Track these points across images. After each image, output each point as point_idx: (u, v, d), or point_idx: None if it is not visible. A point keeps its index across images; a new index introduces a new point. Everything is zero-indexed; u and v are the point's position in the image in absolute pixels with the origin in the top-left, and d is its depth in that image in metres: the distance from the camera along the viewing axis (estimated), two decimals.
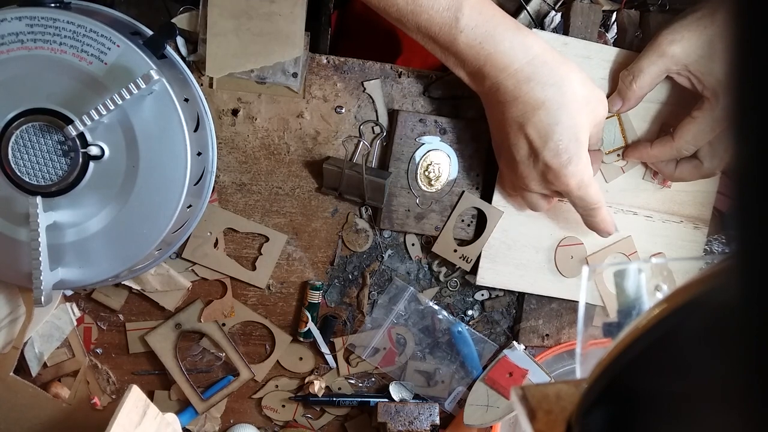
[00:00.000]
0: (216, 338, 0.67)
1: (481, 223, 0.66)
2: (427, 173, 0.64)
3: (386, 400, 0.69)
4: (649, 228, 0.68)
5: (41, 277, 0.53)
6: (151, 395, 0.68)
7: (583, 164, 0.56)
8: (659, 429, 0.30)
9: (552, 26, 0.65)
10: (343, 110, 0.64)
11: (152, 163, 0.54)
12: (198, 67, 0.60)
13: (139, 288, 0.65)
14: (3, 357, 0.62)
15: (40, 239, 0.53)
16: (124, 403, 0.53)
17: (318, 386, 0.69)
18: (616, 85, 0.62)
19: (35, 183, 0.53)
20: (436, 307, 0.69)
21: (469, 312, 0.70)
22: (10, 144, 0.53)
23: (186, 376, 0.68)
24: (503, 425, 0.69)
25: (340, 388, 0.71)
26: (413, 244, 0.68)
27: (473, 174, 0.65)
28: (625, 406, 0.29)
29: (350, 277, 0.68)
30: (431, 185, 0.65)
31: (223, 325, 0.67)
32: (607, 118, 0.64)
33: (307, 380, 0.70)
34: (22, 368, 0.65)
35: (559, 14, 0.65)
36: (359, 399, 0.70)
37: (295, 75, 0.61)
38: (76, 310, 0.66)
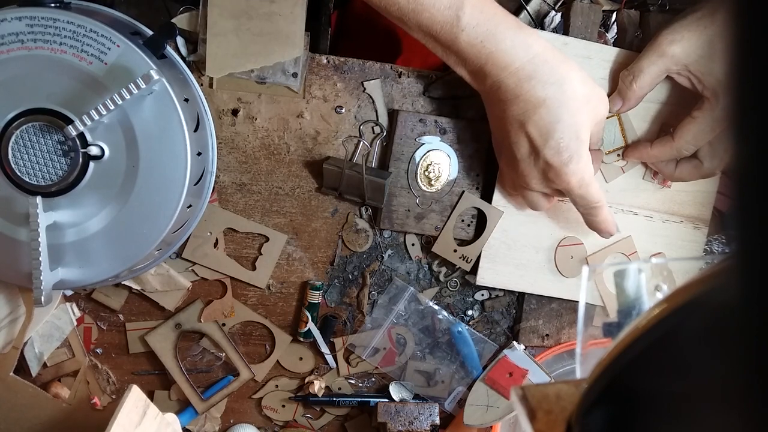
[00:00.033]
0: (216, 338, 0.67)
1: (481, 223, 0.66)
2: (427, 173, 0.64)
3: (386, 400, 0.69)
4: (649, 228, 0.68)
5: (41, 277, 0.53)
6: (151, 395, 0.68)
7: (584, 163, 0.56)
8: (659, 429, 0.30)
9: (552, 26, 0.65)
10: (343, 110, 0.64)
11: (152, 163, 0.54)
12: (198, 67, 0.60)
13: (139, 288, 0.65)
14: (3, 357, 0.62)
15: (40, 239, 0.53)
16: (124, 403, 0.53)
17: (318, 386, 0.69)
18: (616, 85, 0.62)
19: (35, 183, 0.53)
20: (436, 307, 0.69)
21: (469, 312, 0.70)
22: (10, 144, 0.53)
23: (186, 376, 0.68)
24: (503, 425, 0.69)
25: (340, 388, 0.71)
26: (413, 244, 0.68)
27: (473, 174, 0.65)
28: (625, 406, 0.29)
29: (350, 277, 0.68)
30: (431, 185, 0.65)
31: (223, 325, 0.67)
32: (607, 118, 0.64)
33: (307, 380, 0.70)
34: (22, 368, 0.65)
35: (559, 14, 0.65)
36: (359, 399, 0.70)
37: (295, 75, 0.61)
38: (76, 310, 0.66)
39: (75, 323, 0.66)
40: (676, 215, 0.68)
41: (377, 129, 0.65)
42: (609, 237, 0.62)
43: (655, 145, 0.62)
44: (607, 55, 0.63)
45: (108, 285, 0.64)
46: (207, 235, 0.65)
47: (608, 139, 0.65)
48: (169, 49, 0.58)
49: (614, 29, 0.67)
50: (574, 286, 0.68)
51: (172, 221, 0.55)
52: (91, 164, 0.54)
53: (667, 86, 0.64)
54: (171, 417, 0.63)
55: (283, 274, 0.67)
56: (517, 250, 0.67)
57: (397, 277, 0.68)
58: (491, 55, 0.54)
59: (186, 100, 0.56)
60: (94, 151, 0.53)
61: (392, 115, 0.64)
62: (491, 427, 0.68)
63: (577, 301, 0.65)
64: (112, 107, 0.50)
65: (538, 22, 0.65)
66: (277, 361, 0.69)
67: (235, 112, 0.62)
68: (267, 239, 0.66)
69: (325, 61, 0.63)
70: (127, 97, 0.50)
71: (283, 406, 0.71)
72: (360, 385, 0.71)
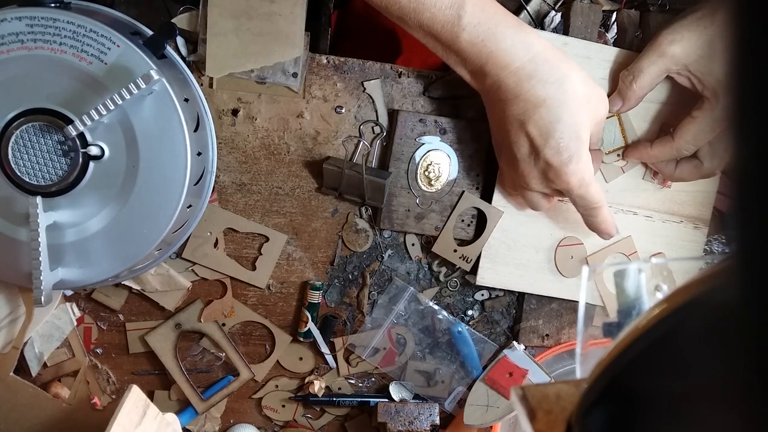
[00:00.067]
0: (216, 338, 0.67)
1: (481, 223, 0.66)
2: (427, 173, 0.64)
3: (386, 400, 0.69)
4: (649, 228, 0.68)
5: (41, 277, 0.53)
6: (151, 395, 0.68)
7: (584, 162, 0.56)
8: (659, 429, 0.30)
9: (552, 26, 0.65)
10: (343, 110, 0.64)
11: (152, 163, 0.54)
12: (198, 67, 0.60)
13: (139, 288, 0.65)
14: (3, 357, 0.62)
15: (40, 239, 0.53)
16: (124, 403, 0.53)
17: (318, 386, 0.69)
18: (616, 85, 0.62)
19: (35, 183, 0.53)
20: (436, 307, 0.69)
21: (469, 312, 0.70)
22: (10, 144, 0.53)
23: (186, 376, 0.68)
24: (503, 425, 0.69)
25: (340, 388, 0.71)
26: (413, 244, 0.68)
27: (473, 174, 0.65)
28: (625, 406, 0.29)
29: (350, 277, 0.68)
30: (431, 185, 0.65)
31: (223, 325, 0.67)
32: (607, 118, 0.64)
33: (307, 380, 0.70)
34: (22, 368, 0.65)
35: (559, 14, 0.65)
36: (359, 399, 0.70)
37: (295, 75, 0.61)
38: (76, 310, 0.66)
39: (75, 323, 0.66)
40: (676, 215, 0.68)
41: (377, 129, 0.65)
42: (608, 238, 0.62)
43: (655, 145, 0.62)
44: (607, 55, 0.63)
45: (108, 285, 0.64)
46: (207, 235, 0.65)
47: (608, 139, 0.65)
48: (169, 49, 0.58)
49: (614, 29, 0.67)
50: (574, 286, 0.68)
51: (172, 221, 0.55)
52: (91, 164, 0.54)
53: (667, 86, 0.64)
54: (171, 417, 0.63)
55: (283, 274, 0.67)
56: (517, 250, 0.67)
57: (397, 277, 0.68)
58: (492, 55, 0.54)
59: (186, 100, 0.56)
60: (94, 151, 0.53)
61: (392, 115, 0.64)
62: (491, 427, 0.68)
63: (577, 301, 0.65)
64: (112, 107, 0.50)
65: (538, 22, 0.65)
66: (277, 361, 0.69)
67: (235, 112, 0.62)
68: (267, 239, 0.66)
69: (325, 61, 0.63)
70: (127, 97, 0.50)
71: (283, 406, 0.71)
72: (360, 385, 0.71)
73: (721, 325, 0.22)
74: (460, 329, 0.69)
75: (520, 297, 0.69)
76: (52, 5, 0.52)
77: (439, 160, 0.64)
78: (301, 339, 0.68)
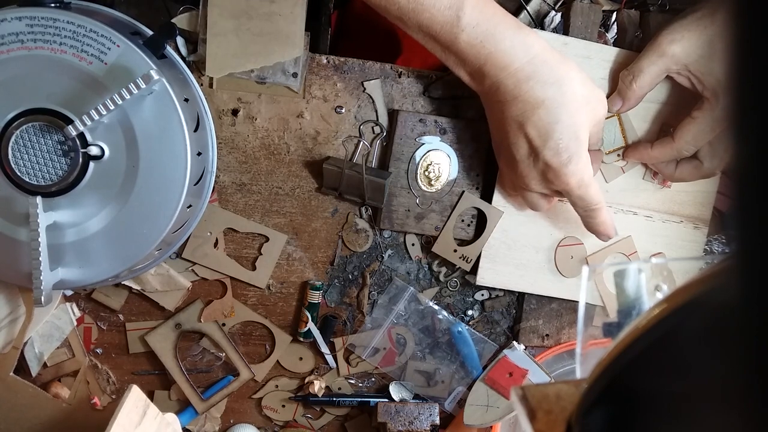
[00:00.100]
0: (216, 338, 0.67)
1: (481, 223, 0.66)
2: (427, 173, 0.64)
3: (386, 400, 0.69)
4: (649, 228, 0.68)
5: (41, 277, 0.53)
6: (151, 395, 0.68)
7: (583, 163, 0.56)
8: (659, 429, 0.30)
9: (552, 26, 0.65)
10: (343, 110, 0.64)
11: (152, 163, 0.54)
12: (198, 67, 0.60)
13: (139, 288, 0.65)
14: (3, 357, 0.62)
15: (40, 239, 0.53)
16: (124, 403, 0.53)
17: (318, 386, 0.69)
18: (616, 85, 0.62)
19: (35, 183, 0.53)
20: (436, 307, 0.69)
21: (469, 312, 0.70)
22: (10, 144, 0.53)
23: (186, 376, 0.68)
24: (503, 425, 0.69)
25: (340, 388, 0.71)
26: (413, 244, 0.68)
27: (473, 174, 0.65)
28: (625, 406, 0.29)
29: (350, 277, 0.68)
30: (431, 185, 0.65)
31: (223, 325, 0.67)
32: (607, 118, 0.64)
33: (307, 380, 0.70)
34: (22, 368, 0.65)
35: (559, 14, 0.65)
36: (359, 399, 0.70)
37: (295, 75, 0.61)
38: (76, 310, 0.66)
39: (75, 323, 0.66)
40: (676, 215, 0.68)
41: (377, 129, 0.65)
42: (607, 240, 0.62)
43: (656, 146, 0.62)
44: (607, 55, 0.63)
45: (108, 285, 0.64)
46: (207, 235, 0.65)
47: (608, 139, 0.65)
48: (169, 49, 0.58)
49: (614, 29, 0.67)
50: (574, 286, 0.68)
51: (172, 221, 0.55)
52: (91, 164, 0.54)
53: (667, 86, 0.64)
54: (171, 417, 0.63)
55: (283, 274, 0.67)
56: (517, 250, 0.67)
57: (397, 277, 0.68)
58: (490, 56, 0.54)
59: (186, 100, 0.56)
60: (94, 151, 0.53)
61: (392, 115, 0.64)
62: (491, 427, 0.68)
63: (577, 301, 0.65)
64: (112, 107, 0.50)
65: (538, 22, 0.65)
66: (277, 361, 0.69)
67: (235, 112, 0.62)
68: (267, 239, 0.66)
69: (325, 61, 0.63)
70: (127, 97, 0.50)
71: (283, 406, 0.71)
72: (360, 385, 0.71)
73: (721, 325, 0.22)
74: (460, 329, 0.69)
75: (520, 297, 0.69)
76: (52, 5, 0.52)
77: (439, 160, 0.64)
78: (301, 339, 0.68)
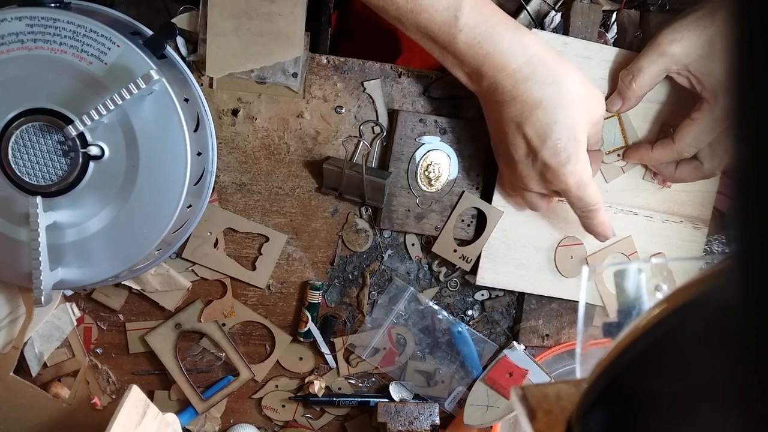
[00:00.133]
0: (216, 338, 0.67)
1: (481, 223, 0.66)
2: (427, 173, 0.64)
3: (386, 400, 0.69)
4: (649, 228, 0.68)
5: (41, 277, 0.53)
6: (151, 395, 0.68)
7: (582, 163, 0.56)
8: (659, 429, 0.30)
9: (552, 26, 0.65)
10: (343, 110, 0.64)
11: (152, 163, 0.54)
12: (198, 67, 0.60)
13: (139, 288, 0.65)
14: (3, 357, 0.62)
15: (40, 239, 0.53)
16: (124, 403, 0.53)
17: (318, 386, 0.69)
18: (616, 85, 0.62)
19: (35, 183, 0.53)
20: (436, 307, 0.69)
21: (469, 312, 0.70)
22: (10, 144, 0.53)
23: (186, 376, 0.68)
24: (503, 425, 0.69)
25: (340, 388, 0.71)
26: (413, 244, 0.68)
27: (473, 174, 0.65)
28: (625, 406, 0.29)
29: (350, 277, 0.68)
30: (431, 185, 0.65)
31: (223, 325, 0.67)
32: (607, 118, 0.64)
33: (307, 380, 0.70)
34: (22, 368, 0.65)
35: (559, 14, 0.65)
36: (359, 399, 0.70)
37: (295, 75, 0.61)
38: (76, 310, 0.66)
39: (75, 323, 0.66)
40: (676, 215, 0.68)
41: (377, 129, 0.65)
42: (605, 240, 0.62)
43: (656, 148, 0.62)
44: (607, 55, 0.63)
45: (108, 285, 0.64)
46: (207, 235, 0.65)
47: (608, 139, 0.65)
48: (169, 49, 0.58)
49: (614, 29, 0.67)
50: (574, 286, 0.68)
51: (172, 221, 0.55)
52: (91, 164, 0.54)
53: (667, 86, 0.64)
54: (171, 417, 0.63)
55: (283, 274, 0.67)
56: (517, 250, 0.67)
57: (397, 277, 0.68)
58: (488, 56, 0.54)
59: (186, 100, 0.56)
60: (94, 151, 0.53)
61: (392, 115, 0.64)
62: (491, 427, 0.68)
63: (577, 301, 0.65)
64: (112, 107, 0.50)
65: (538, 22, 0.65)
66: (277, 361, 0.69)
67: (235, 112, 0.62)
68: (267, 239, 0.66)
69: (325, 61, 0.63)
70: (127, 97, 0.50)
71: (283, 406, 0.71)
72: (360, 385, 0.71)
73: (721, 325, 0.22)
74: (460, 329, 0.69)
75: (520, 297, 0.69)
76: (52, 5, 0.52)
77: (439, 160, 0.64)
78: (301, 339, 0.68)
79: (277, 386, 0.70)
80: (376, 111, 0.64)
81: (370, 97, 0.64)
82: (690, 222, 0.68)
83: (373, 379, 0.71)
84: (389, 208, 0.65)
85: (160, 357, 0.67)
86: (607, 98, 0.63)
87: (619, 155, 0.66)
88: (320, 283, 0.67)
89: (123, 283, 0.64)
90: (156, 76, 0.50)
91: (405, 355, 0.70)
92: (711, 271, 0.23)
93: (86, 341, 0.67)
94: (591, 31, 0.64)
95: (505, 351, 0.69)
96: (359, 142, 0.64)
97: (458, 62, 0.56)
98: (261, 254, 0.66)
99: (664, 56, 0.58)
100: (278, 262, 0.66)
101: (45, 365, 0.66)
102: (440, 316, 0.69)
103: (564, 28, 0.64)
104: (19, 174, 0.53)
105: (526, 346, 0.69)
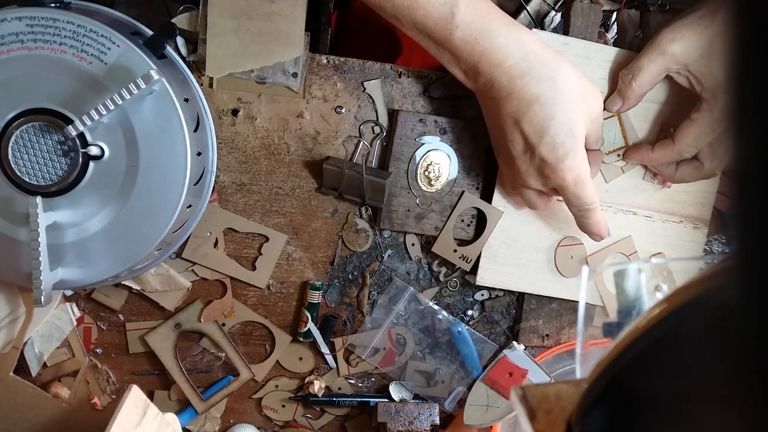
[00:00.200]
0: (216, 338, 0.67)
1: (481, 223, 0.66)
2: (427, 173, 0.64)
3: (386, 400, 0.69)
4: (649, 228, 0.68)
5: (41, 277, 0.53)
6: (151, 395, 0.68)
7: (580, 160, 0.56)
8: (659, 429, 0.30)
9: (552, 26, 0.65)
10: (343, 110, 0.64)
11: (152, 163, 0.54)
12: (198, 67, 0.60)
13: (139, 288, 0.65)
14: (3, 357, 0.62)
15: (40, 239, 0.53)
16: (124, 403, 0.53)
17: (318, 386, 0.69)
18: (616, 85, 0.62)
19: (35, 183, 0.53)
20: (436, 307, 0.69)
21: (469, 312, 0.70)
22: (10, 144, 0.53)
23: (186, 376, 0.68)
24: (503, 425, 0.69)
25: (340, 388, 0.71)
26: (413, 244, 0.68)
27: (473, 174, 0.65)
28: (625, 406, 0.29)
29: (350, 277, 0.68)
30: (431, 185, 0.65)
31: (223, 325, 0.67)
32: (607, 118, 0.64)
33: (307, 380, 0.70)
34: (22, 368, 0.65)
35: (559, 14, 0.65)
36: (359, 399, 0.70)
37: (295, 75, 0.61)
38: (76, 310, 0.66)
39: (75, 323, 0.66)
40: (676, 215, 0.68)
41: (377, 129, 0.65)
42: (600, 240, 0.62)
43: (656, 148, 0.62)
44: (607, 55, 0.63)
45: (108, 285, 0.64)
46: (207, 235, 0.65)
47: (608, 139, 0.65)
48: (169, 49, 0.58)
49: (614, 29, 0.67)
50: (574, 286, 0.68)
51: (172, 221, 0.55)
52: (91, 164, 0.54)
53: (667, 86, 0.64)
54: (171, 417, 0.63)
55: (283, 274, 0.67)
56: (517, 250, 0.67)
57: (397, 277, 0.68)
58: (485, 52, 0.54)
59: (186, 100, 0.56)
60: (94, 151, 0.53)
61: (392, 115, 0.64)
62: (491, 427, 0.68)
63: (577, 301, 0.65)
64: (112, 107, 0.50)
65: (538, 22, 0.65)
66: (277, 361, 0.69)
67: (235, 112, 0.62)
68: (267, 239, 0.66)
69: (325, 61, 0.63)
70: (127, 97, 0.50)
71: (283, 406, 0.71)
72: (360, 385, 0.71)
73: (721, 325, 0.22)
74: (460, 329, 0.69)
75: (520, 297, 0.69)
76: (52, 5, 0.52)
77: (439, 160, 0.64)
78: (301, 339, 0.68)
79: (277, 386, 0.70)
80: (376, 111, 0.64)
81: (370, 97, 0.64)
82: (690, 222, 0.68)
83: (373, 379, 0.71)
84: (389, 208, 0.65)
85: (160, 357, 0.67)
86: (607, 98, 0.63)
87: (619, 155, 0.66)
88: (320, 283, 0.67)
89: (123, 283, 0.64)
90: (156, 76, 0.50)
91: (405, 355, 0.70)
92: (711, 271, 0.23)
93: (86, 341, 0.67)
94: (591, 31, 0.64)
95: (505, 351, 0.69)
96: (359, 142, 0.64)
97: (455, 59, 0.56)
98: (261, 254, 0.66)
99: (664, 55, 0.58)
100: (278, 262, 0.66)
101: (45, 365, 0.66)
102: (440, 316, 0.69)
103: (564, 28, 0.64)
104: (19, 174, 0.53)
105: (526, 346, 0.69)
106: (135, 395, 0.55)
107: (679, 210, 0.68)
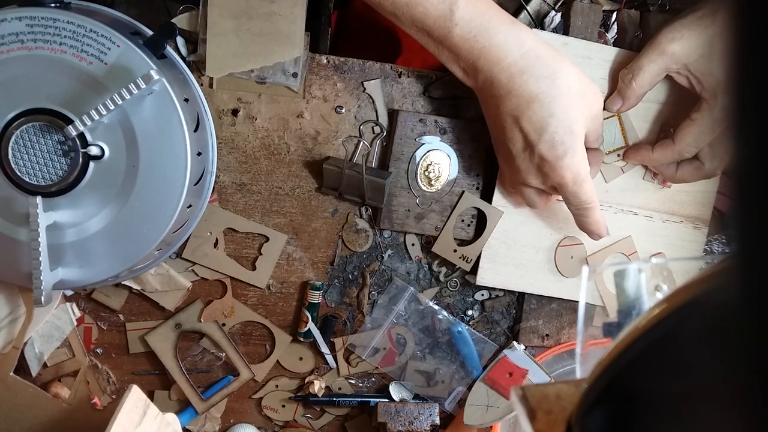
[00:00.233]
0: (216, 338, 0.67)
1: (481, 223, 0.66)
2: (427, 173, 0.64)
3: (386, 400, 0.69)
4: (649, 228, 0.68)
5: (41, 277, 0.53)
6: (151, 395, 0.68)
7: (579, 158, 0.56)
8: (659, 429, 0.30)
9: (552, 26, 0.65)
10: (343, 110, 0.64)
11: (152, 163, 0.54)
12: (198, 67, 0.60)
13: (139, 288, 0.65)
14: (3, 357, 0.62)
15: (40, 239, 0.53)
16: (124, 403, 0.53)
17: (318, 386, 0.69)
18: (616, 85, 0.62)
19: (35, 183, 0.53)
20: (436, 307, 0.69)
21: (469, 312, 0.70)
22: (10, 144, 0.53)
23: (186, 376, 0.68)
24: (503, 425, 0.69)
25: (340, 388, 0.71)
26: (413, 244, 0.68)
27: (473, 174, 0.65)
28: (625, 406, 0.29)
29: (350, 277, 0.68)
30: (431, 185, 0.65)
31: (223, 325, 0.67)
32: (607, 118, 0.64)
33: (307, 380, 0.70)
34: (22, 368, 0.65)
35: (559, 14, 0.65)
36: (359, 399, 0.70)
37: (295, 75, 0.61)
38: (76, 310, 0.66)
39: (75, 323, 0.66)
40: (676, 215, 0.68)
41: (377, 129, 0.65)
42: (598, 239, 0.62)
43: (656, 149, 0.62)
44: (607, 55, 0.63)
45: (108, 285, 0.64)
46: (207, 235, 0.65)
47: (608, 139, 0.65)
48: (169, 49, 0.58)
49: (614, 29, 0.67)
50: (574, 286, 0.68)
51: (172, 221, 0.55)
52: (91, 164, 0.54)
53: (667, 86, 0.64)
54: (171, 417, 0.63)
55: (283, 274, 0.67)
56: (517, 250, 0.67)
57: (397, 277, 0.68)
58: (484, 50, 0.54)
59: (186, 100, 0.56)
60: (94, 151, 0.53)
61: (392, 115, 0.64)
62: (491, 427, 0.68)
63: (577, 301, 0.65)
64: (112, 107, 0.50)
65: (538, 22, 0.65)
66: (277, 361, 0.69)
67: (235, 112, 0.62)
68: (267, 239, 0.66)
69: (325, 61, 0.63)
70: (127, 97, 0.50)
71: (283, 406, 0.71)
72: (360, 385, 0.71)
73: (721, 325, 0.22)
74: (460, 329, 0.69)
75: (520, 297, 0.69)
76: (52, 5, 0.52)
77: (439, 160, 0.64)
78: (301, 339, 0.68)
79: (277, 386, 0.70)
80: (376, 111, 0.64)
81: (370, 97, 0.64)
82: (690, 222, 0.68)
83: (373, 379, 0.71)
84: (389, 208, 0.65)
85: (160, 357, 0.67)
86: (607, 98, 0.63)
87: (619, 155, 0.66)
88: (320, 283, 0.67)
89: (123, 283, 0.64)
90: (156, 76, 0.50)
91: (405, 355, 0.70)
92: (711, 271, 0.23)
93: (86, 341, 0.67)
94: (591, 31, 0.64)
95: (505, 351, 0.69)
96: (359, 142, 0.64)
97: (454, 57, 0.56)
98: (261, 254, 0.66)
99: (664, 55, 0.58)
100: (278, 262, 0.66)
101: (45, 365, 0.66)
102: (440, 316, 0.69)
103: (564, 28, 0.64)
104: (19, 174, 0.53)
105: (526, 346, 0.69)
106: (135, 395, 0.55)
107: (680, 210, 0.68)
